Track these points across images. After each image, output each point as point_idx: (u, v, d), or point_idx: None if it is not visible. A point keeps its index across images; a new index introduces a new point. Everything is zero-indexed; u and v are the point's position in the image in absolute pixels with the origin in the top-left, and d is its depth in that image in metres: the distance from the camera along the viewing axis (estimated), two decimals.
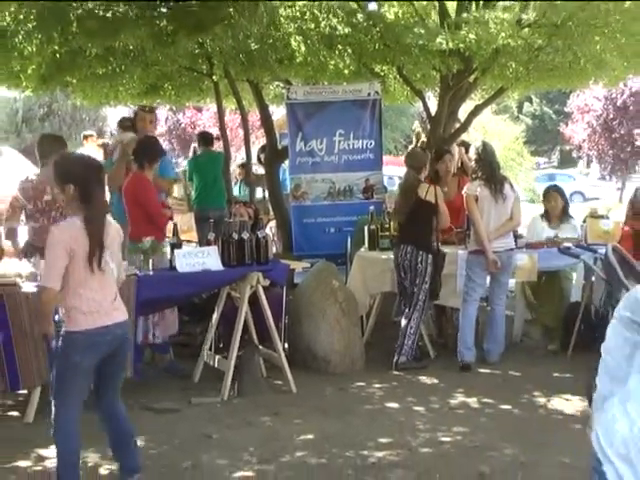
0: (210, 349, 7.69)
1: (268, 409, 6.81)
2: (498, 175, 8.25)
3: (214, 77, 11.07)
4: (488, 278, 8.35)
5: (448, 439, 6.17)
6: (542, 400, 7.15)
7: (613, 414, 2.44)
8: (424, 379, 7.80)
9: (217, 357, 7.47)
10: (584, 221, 9.45)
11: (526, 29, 8.81)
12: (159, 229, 7.49)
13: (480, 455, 5.81)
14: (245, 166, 13.13)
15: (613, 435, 2.39)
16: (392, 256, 8.39)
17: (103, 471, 5.53)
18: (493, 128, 27.93)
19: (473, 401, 7.12)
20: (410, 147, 12.60)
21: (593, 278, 8.59)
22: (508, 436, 6.19)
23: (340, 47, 9.95)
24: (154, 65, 10.58)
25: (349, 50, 10.03)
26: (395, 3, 10.68)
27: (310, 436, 6.22)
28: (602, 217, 9.38)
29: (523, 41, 8.61)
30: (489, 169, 8.15)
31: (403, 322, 8.09)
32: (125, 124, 9.98)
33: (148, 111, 9.46)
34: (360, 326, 8.48)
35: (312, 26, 9.73)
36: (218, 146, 13.44)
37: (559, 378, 7.76)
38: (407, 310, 8.08)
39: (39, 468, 5.62)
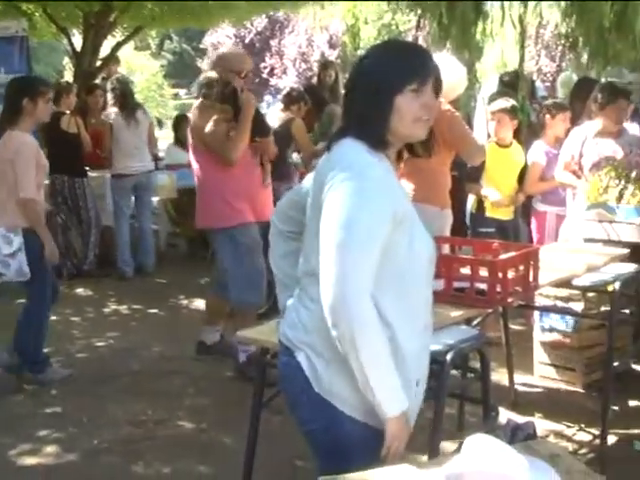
0: None
1: None
2: (131, 103, 8.24)
3: None
4: (133, 198, 8.30)
5: (102, 344, 6.12)
6: (185, 302, 7.28)
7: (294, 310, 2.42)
8: (80, 291, 7.61)
9: None
10: None
11: None
12: None
13: (131, 354, 5.83)
14: None
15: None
16: None
17: None
18: (135, 63, 27.49)
19: (124, 308, 7.10)
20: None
21: None
22: (155, 336, 6.25)
23: None
24: None
25: None
26: None
27: None
28: None
29: None
30: (122, 98, 8.11)
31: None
32: None
33: None
34: None
35: None
36: None
37: (200, 282, 7.87)
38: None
39: None
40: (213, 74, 5.36)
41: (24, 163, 4.96)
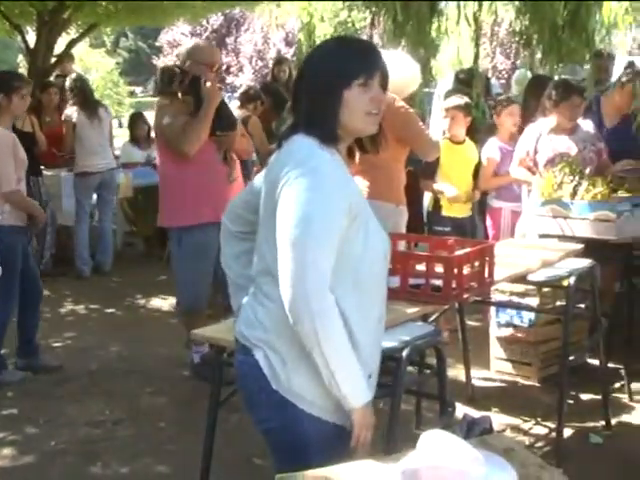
0: None
1: None
2: (92, 100, 8.26)
3: None
4: (95, 197, 8.25)
5: (59, 344, 6.06)
6: (142, 301, 7.24)
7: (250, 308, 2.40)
8: None
9: None
10: None
11: None
12: None
13: (88, 354, 5.78)
14: None
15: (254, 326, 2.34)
16: None
17: None
18: (90, 61, 27.22)
19: (81, 308, 7.04)
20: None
21: None
22: (112, 335, 6.20)
23: None
24: None
25: None
26: None
27: None
28: None
29: None
30: (82, 96, 8.04)
31: None
32: None
33: None
34: None
35: None
36: None
37: (157, 280, 7.83)
38: None
39: None
40: (168, 67, 5.28)
41: (1, 156, 4.91)
